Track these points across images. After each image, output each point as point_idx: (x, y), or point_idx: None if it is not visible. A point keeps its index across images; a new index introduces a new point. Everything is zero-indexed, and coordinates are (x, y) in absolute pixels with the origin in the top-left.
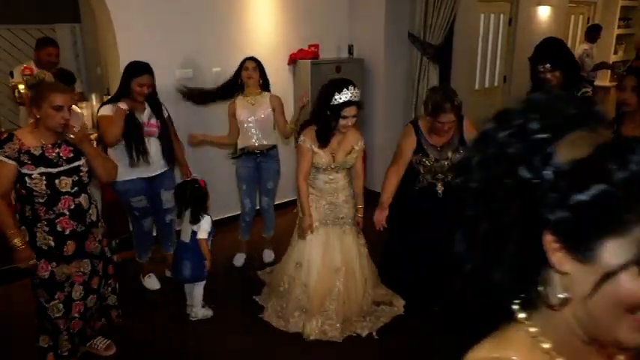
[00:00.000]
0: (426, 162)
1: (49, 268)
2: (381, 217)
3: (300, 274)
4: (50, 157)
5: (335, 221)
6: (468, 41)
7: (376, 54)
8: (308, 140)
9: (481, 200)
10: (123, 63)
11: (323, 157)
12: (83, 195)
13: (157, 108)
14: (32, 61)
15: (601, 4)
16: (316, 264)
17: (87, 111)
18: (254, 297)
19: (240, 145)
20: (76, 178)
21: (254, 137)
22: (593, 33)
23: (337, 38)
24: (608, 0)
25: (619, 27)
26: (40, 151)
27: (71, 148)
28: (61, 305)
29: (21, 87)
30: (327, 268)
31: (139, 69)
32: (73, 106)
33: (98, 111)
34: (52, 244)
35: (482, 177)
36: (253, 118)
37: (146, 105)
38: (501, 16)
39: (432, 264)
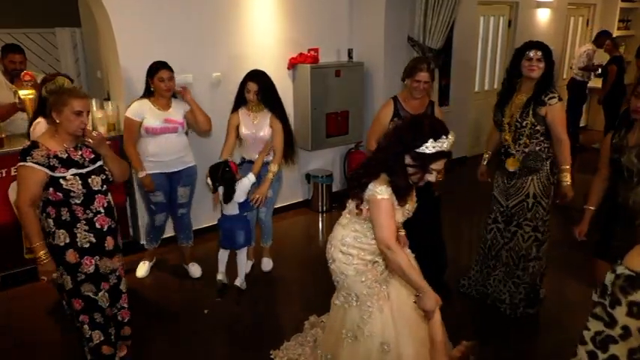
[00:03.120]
0: None
1: (94, 262)
2: None
3: (388, 357)
4: (76, 159)
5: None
6: (468, 44)
7: (376, 58)
8: (389, 191)
9: None
10: (123, 67)
11: (399, 213)
12: (109, 193)
13: (179, 105)
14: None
15: (600, 5)
16: (408, 335)
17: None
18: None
19: (241, 154)
20: (104, 177)
21: (254, 153)
22: (600, 38)
23: (337, 42)
24: (608, 2)
25: (618, 28)
26: (66, 155)
27: (91, 149)
28: (107, 295)
29: (21, 93)
30: (415, 323)
31: (157, 65)
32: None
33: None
34: (94, 240)
35: None
36: (254, 134)
37: (172, 102)
38: (501, 18)
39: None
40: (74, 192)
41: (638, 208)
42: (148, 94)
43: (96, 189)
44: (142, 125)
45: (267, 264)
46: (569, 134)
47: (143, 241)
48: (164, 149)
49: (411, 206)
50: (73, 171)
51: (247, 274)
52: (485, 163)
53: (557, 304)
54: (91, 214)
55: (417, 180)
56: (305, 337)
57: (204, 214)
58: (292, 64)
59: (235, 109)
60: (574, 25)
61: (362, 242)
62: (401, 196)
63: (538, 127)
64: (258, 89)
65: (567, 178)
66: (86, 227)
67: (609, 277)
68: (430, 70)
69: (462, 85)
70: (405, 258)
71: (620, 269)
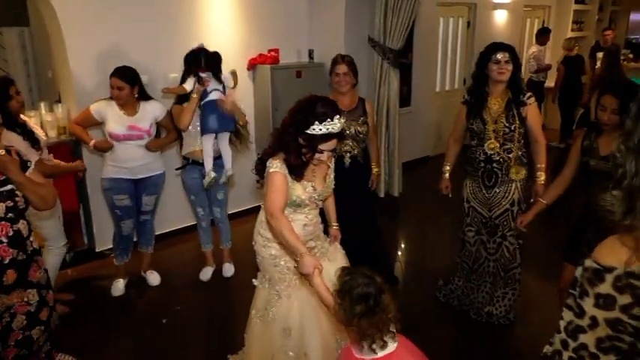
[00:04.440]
0: None
1: None
2: None
3: (291, 342)
4: None
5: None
6: (428, 45)
7: None
8: (283, 166)
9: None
10: (73, 68)
11: (300, 189)
12: (21, 221)
13: (148, 111)
14: None
15: (555, 8)
16: (313, 324)
17: (36, 119)
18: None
19: (183, 153)
20: (11, 203)
21: (197, 143)
22: (542, 36)
23: (297, 43)
24: (562, 4)
25: (572, 30)
26: None
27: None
28: None
29: None
30: (324, 323)
31: (112, 72)
32: (35, 129)
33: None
34: None
35: None
36: (198, 124)
37: (140, 107)
38: (460, 19)
39: (352, 237)
40: None
41: (605, 213)
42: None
43: None
44: (105, 129)
45: (228, 269)
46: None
47: (99, 249)
48: (128, 156)
49: (320, 187)
50: None
51: (207, 282)
52: (447, 176)
53: (531, 302)
54: None
55: (309, 159)
56: None
57: (168, 219)
58: (252, 65)
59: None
60: (530, 26)
61: None
62: (295, 173)
63: (522, 130)
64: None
65: (542, 177)
66: None
67: (579, 270)
68: (347, 61)
69: (423, 85)
70: (287, 224)
71: (588, 262)
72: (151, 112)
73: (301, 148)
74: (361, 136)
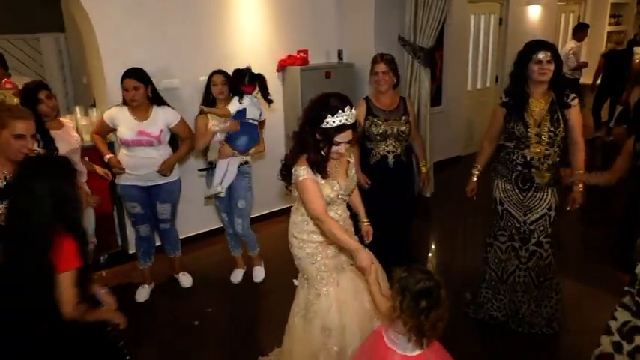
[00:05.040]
0: (378, 122)
1: None
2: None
3: (331, 341)
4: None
5: (346, 266)
6: (459, 43)
7: (366, 58)
8: (309, 170)
9: None
10: (106, 72)
11: (328, 188)
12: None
13: (160, 116)
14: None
15: (591, 1)
16: (353, 322)
17: (72, 123)
18: None
19: (210, 159)
20: None
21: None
22: (579, 32)
23: (326, 43)
24: None
25: (609, 24)
26: (5, 183)
27: None
28: None
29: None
30: (364, 319)
31: (124, 74)
32: (71, 132)
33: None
34: None
35: None
36: (224, 134)
37: (152, 112)
38: (492, 16)
39: (395, 239)
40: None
41: None
42: (124, 103)
43: None
44: (117, 134)
45: (258, 273)
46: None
47: (132, 251)
48: (140, 162)
49: (343, 182)
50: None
51: (238, 284)
52: (475, 179)
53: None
54: None
55: (327, 153)
56: None
57: (191, 222)
58: (281, 66)
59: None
60: (565, 21)
61: (310, 225)
62: (318, 170)
63: (564, 134)
64: (224, 79)
65: (580, 185)
66: None
67: (639, 267)
68: (386, 60)
69: (454, 84)
70: (336, 224)
71: None
72: (163, 117)
73: (319, 143)
74: (404, 135)
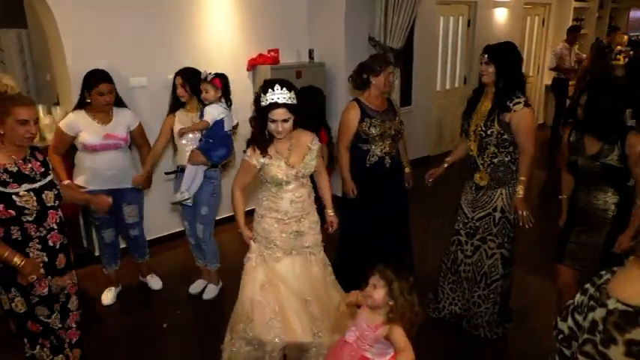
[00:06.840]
0: (375, 122)
1: (47, 283)
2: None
3: (269, 295)
4: (26, 172)
5: (300, 250)
6: (429, 44)
7: (337, 58)
8: (254, 156)
9: None
10: (71, 71)
11: (277, 167)
12: (60, 208)
13: (121, 118)
14: None
15: (555, 5)
16: (290, 286)
17: None
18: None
19: (178, 163)
20: (56, 191)
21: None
22: (569, 34)
23: (297, 43)
24: (562, 1)
25: None
26: (17, 168)
27: (40, 163)
28: (59, 315)
29: None
30: (297, 297)
31: (97, 79)
32: None
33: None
34: (46, 259)
35: None
36: (191, 136)
37: (113, 114)
38: (460, 18)
39: (392, 240)
40: (28, 209)
41: (590, 211)
42: (83, 105)
43: (49, 205)
44: (79, 140)
45: (210, 290)
46: (560, 134)
47: (97, 253)
48: (104, 166)
49: (296, 165)
50: (27, 186)
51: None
52: (445, 166)
53: (526, 307)
54: (44, 232)
55: (265, 130)
56: None
57: (158, 224)
58: (252, 66)
59: (172, 111)
60: (530, 24)
61: (269, 201)
62: (259, 146)
63: (506, 136)
64: (183, 81)
65: (521, 191)
66: (39, 246)
67: (600, 313)
68: (393, 64)
69: (423, 84)
70: (237, 201)
71: (612, 303)
72: (124, 119)
73: (259, 122)
74: (400, 135)
